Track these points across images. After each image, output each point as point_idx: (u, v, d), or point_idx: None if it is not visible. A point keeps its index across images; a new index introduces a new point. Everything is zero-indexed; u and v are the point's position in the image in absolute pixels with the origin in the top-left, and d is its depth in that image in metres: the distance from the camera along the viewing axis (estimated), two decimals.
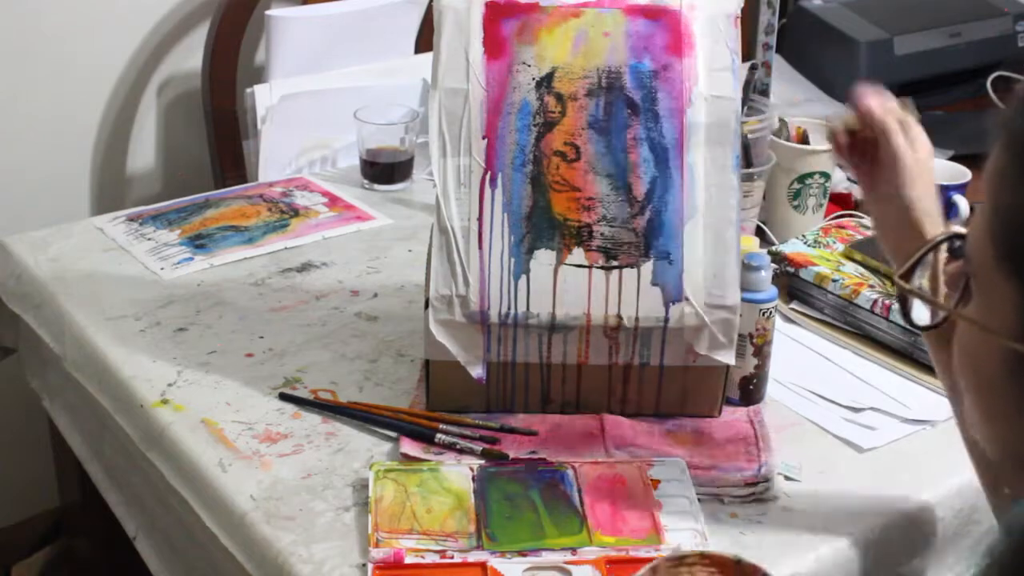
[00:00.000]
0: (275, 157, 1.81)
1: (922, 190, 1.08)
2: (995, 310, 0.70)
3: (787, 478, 1.14)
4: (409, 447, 1.15)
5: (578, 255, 1.16)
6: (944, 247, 0.84)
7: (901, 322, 1.34)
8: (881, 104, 1.10)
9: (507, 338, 1.17)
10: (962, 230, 0.77)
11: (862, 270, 1.43)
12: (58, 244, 1.53)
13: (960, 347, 0.76)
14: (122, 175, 2.05)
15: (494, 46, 1.20)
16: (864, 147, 1.10)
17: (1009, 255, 0.68)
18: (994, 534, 0.69)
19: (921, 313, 0.85)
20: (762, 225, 1.59)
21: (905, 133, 1.09)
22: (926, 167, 1.09)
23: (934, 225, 1.06)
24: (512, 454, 1.15)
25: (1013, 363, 0.70)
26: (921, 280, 0.85)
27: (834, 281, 1.40)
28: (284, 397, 1.23)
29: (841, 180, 1.73)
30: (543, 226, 1.16)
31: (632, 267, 1.16)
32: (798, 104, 2.03)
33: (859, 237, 1.50)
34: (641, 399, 1.21)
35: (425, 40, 1.98)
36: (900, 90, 2.10)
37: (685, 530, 1.05)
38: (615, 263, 1.16)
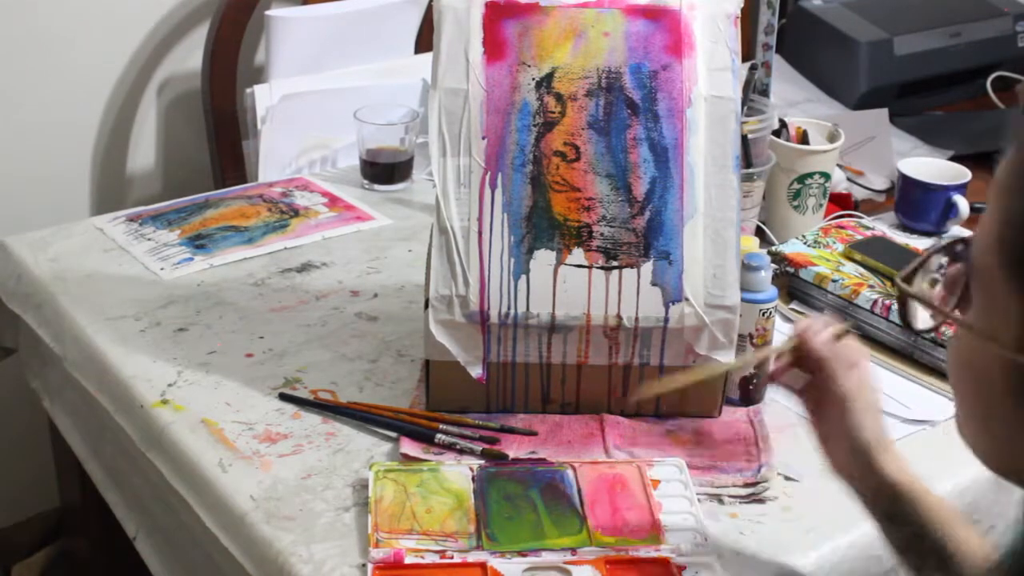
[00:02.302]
0: (275, 157, 1.81)
1: (873, 431, 0.99)
2: (996, 318, 0.69)
3: (787, 478, 1.14)
4: (409, 447, 1.15)
5: (578, 255, 1.16)
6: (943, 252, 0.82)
7: (901, 322, 1.34)
8: (825, 339, 1.01)
9: (507, 338, 1.17)
10: (967, 233, 0.76)
11: (862, 270, 1.43)
12: (58, 244, 1.53)
13: (956, 353, 0.75)
14: (122, 175, 2.05)
15: (494, 46, 1.20)
16: (811, 384, 1.03)
17: (1015, 263, 0.67)
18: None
19: (921, 317, 0.84)
20: (762, 225, 1.59)
21: (852, 368, 1.00)
22: (876, 406, 1.00)
23: (886, 461, 0.98)
24: (512, 454, 1.15)
25: (1012, 374, 0.69)
26: (922, 284, 0.85)
27: (834, 281, 1.40)
28: (284, 397, 1.23)
29: (841, 180, 1.73)
30: (543, 226, 1.16)
31: (632, 267, 1.16)
32: (798, 104, 2.03)
33: (859, 237, 1.50)
34: (641, 399, 1.21)
35: (425, 40, 1.98)
36: (900, 90, 2.12)
37: (685, 530, 1.05)
38: (615, 263, 1.16)
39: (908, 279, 0.80)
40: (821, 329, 1.02)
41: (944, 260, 0.81)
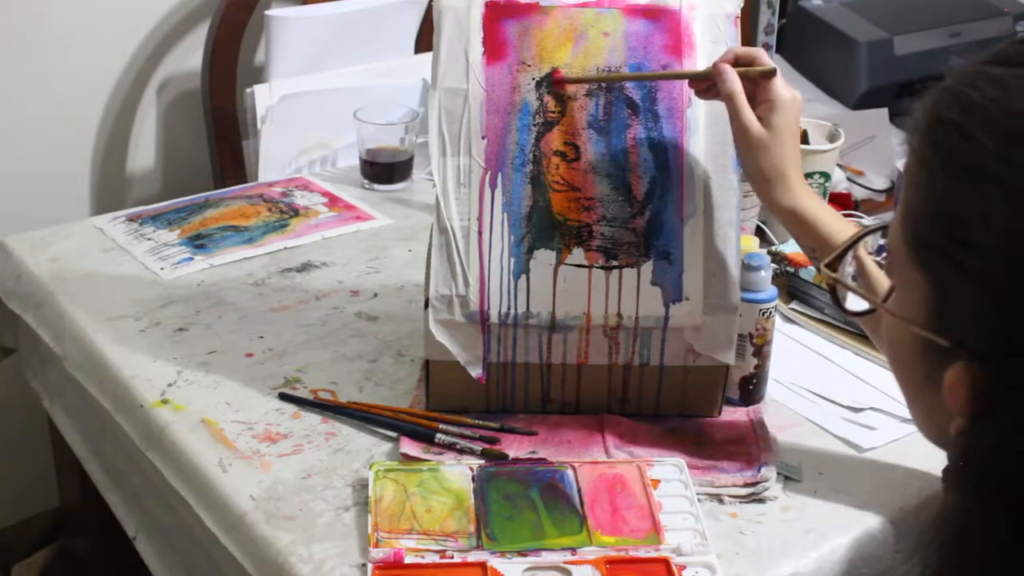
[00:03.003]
0: (275, 157, 1.81)
1: (769, 166, 1.11)
2: (907, 299, 0.75)
3: (787, 478, 1.14)
4: (409, 447, 1.15)
5: (578, 255, 1.16)
6: (869, 239, 0.89)
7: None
8: (734, 77, 1.11)
9: (507, 338, 1.17)
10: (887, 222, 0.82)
11: None
12: (58, 244, 1.53)
13: (884, 330, 0.81)
14: (122, 175, 2.05)
15: (494, 46, 1.20)
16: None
17: (916, 248, 0.73)
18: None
19: (855, 300, 0.89)
20: (762, 225, 1.59)
21: (764, 105, 1.11)
22: (782, 135, 1.10)
23: (779, 194, 1.11)
24: (512, 454, 1.15)
25: (920, 348, 0.74)
26: (848, 267, 0.91)
27: None
28: (284, 397, 1.23)
29: (841, 180, 1.73)
30: (543, 226, 1.16)
31: (632, 267, 1.16)
32: None
33: None
34: (641, 399, 1.21)
35: (425, 40, 1.98)
36: (900, 90, 2.12)
37: (685, 530, 1.05)
38: (615, 263, 1.16)
39: (832, 265, 0.86)
40: (743, 57, 1.12)
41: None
